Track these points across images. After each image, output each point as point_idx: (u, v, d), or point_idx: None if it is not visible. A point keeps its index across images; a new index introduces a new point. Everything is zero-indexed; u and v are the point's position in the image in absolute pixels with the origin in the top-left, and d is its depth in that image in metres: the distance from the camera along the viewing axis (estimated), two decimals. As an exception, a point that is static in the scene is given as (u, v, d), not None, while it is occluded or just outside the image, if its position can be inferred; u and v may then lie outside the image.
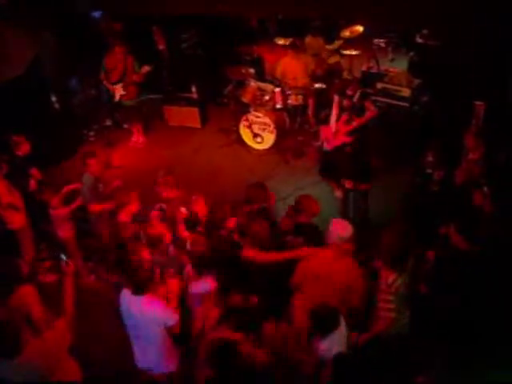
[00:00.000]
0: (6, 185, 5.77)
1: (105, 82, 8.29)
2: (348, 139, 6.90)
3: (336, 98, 6.89)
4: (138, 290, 4.07)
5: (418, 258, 4.71)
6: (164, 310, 4.13)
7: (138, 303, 4.07)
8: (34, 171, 6.25)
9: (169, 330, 4.16)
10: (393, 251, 4.20)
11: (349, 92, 6.73)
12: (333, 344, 3.93)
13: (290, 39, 8.71)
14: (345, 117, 6.80)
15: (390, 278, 4.26)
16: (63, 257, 4.48)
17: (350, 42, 8.98)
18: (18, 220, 5.84)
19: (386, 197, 7.02)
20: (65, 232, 5.87)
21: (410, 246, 4.31)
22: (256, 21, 10.19)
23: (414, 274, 4.39)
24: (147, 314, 4.06)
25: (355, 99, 6.71)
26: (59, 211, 5.78)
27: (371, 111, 6.68)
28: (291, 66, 8.24)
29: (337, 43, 9.24)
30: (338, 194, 7.11)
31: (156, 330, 4.11)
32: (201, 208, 5.52)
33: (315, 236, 5.00)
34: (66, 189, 5.96)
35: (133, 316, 4.12)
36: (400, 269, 4.23)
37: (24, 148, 6.13)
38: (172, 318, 4.13)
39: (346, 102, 6.75)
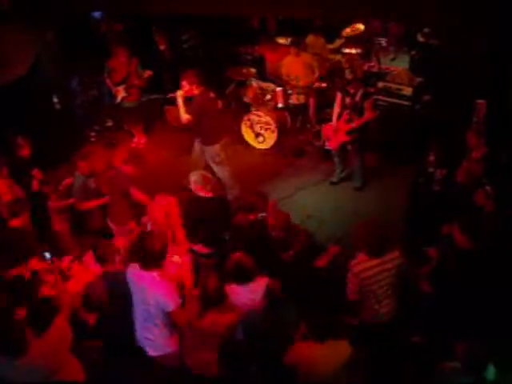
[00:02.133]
0: (7, 183, 5.81)
1: (108, 82, 8.30)
2: (348, 138, 6.93)
3: (338, 95, 6.92)
4: (147, 264, 4.06)
5: (420, 257, 4.74)
6: (166, 293, 4.05)
7: (146, 278, 4.07)
8: (36, 172, 6.27)
9: (168, 314, 4.09)
10: (366, 240, 4.28)
11: (351, 90, 6.76)
12: (244, 294, 4.30)
13: (291, 38, 8.71)
14: (346, 115, 6.82)
15: (358, 259, 4.32)
16: (47, 255, 4.50)
17: (351, 41, 8.99)
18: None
19: (387, 196, 7.02)
20: (59, 225, 6.02)
21: (383, 236, 4.33)
22: (257, 21, 10.19)
23: (402, 270, 4.39)
24: (150, 292, 4.04)
25: (357, 98, 6.73)
26: (56, 203, 5.98)
27: (370, 112, 6.70)
28: (293, 66, 8.24)
29: (338, 42, 9.26)
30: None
31: (157, 310, 4.08)
32: None
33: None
34: (66, 182, 6.17)
35: (139, 290, 4.12)
36: (372, 254, 4.27)
37: (25, 151, 6.19)
38: (172, 303, 4.04)
39: (348, 100, 6.78)
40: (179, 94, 6.51)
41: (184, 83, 6.47)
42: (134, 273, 4.18)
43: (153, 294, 4.05)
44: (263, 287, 4.37)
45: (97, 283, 4.49)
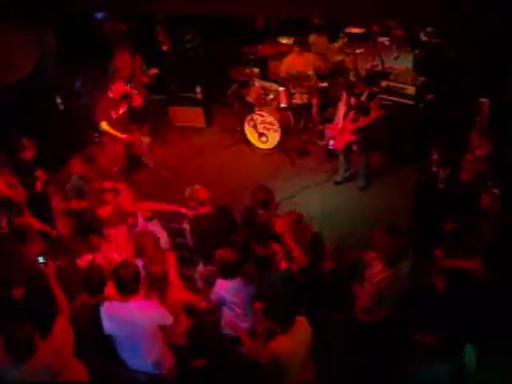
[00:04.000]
0: (8, 181, 5.84)
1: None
2: (353, 137, 6.93)
3: (344, 95, 6.92)
4: (125, 292, 4.01)
5: (424, 256, 4.73)
6: (158, 308, 4.08)
7: (128, 309, 4.00)
8: (40, 173, 6.29)
9: (165, 329, 4.09)
10: (384, 249, 4.27)
11: (356, 90, 6.76)
12: (228, 289, 4.41)
13: (294, 38, 8.71)
14: (352, 115, 6.82)
15: (376, 269, 4.32)
16: (41, 259, 4.50)
17: (354, 40, 8.97)
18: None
19: (391, 195, 7.01)
20: (64, 228, 6.00)
21: (402, 245, 4.35)
22: (261, 21, 10.18)
23: (412, 273, 4.41)
24: (142, 318, 3.99)
25: (363, 98, 6.74)
26: (60, 205, 6.03)
27: (377, 111, 6.70)
28: (295, 65, 8.23)
29: (341, 41, 9.24)
30: None
31: (151, 331, 4.05)
32: None
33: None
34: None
35: (123, 325, 4.02)
36: (390, 264, 4.27)
37: (29, 153, 6.20)
38: (168, 316, 4.07)
39: (353, 100, 6.78)
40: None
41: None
42: (114, 309, 4.08)
43: (145, 318, 4.00)
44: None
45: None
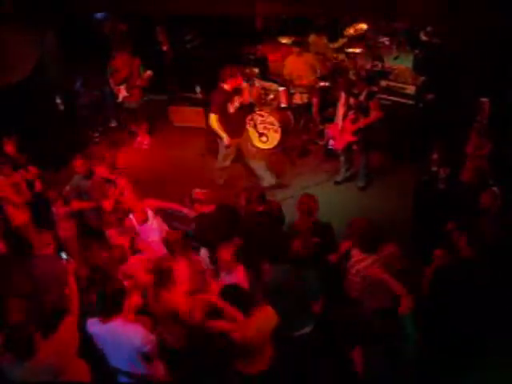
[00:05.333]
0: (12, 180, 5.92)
1: (110, 81, 8.32)
2: (354, 138, 6.93)
3: (343, 96, 6.92)
4: (107, 314, 3.89)
5: (425, 256, 4.73)
6: (138, 334, 3.84)
7: (110, 329, 3.89)
8: (31, 168, 6.28)
9: (144, 355, 3.90)
10: (362, 235, 4.51)
11: (355, 90, 6.76)
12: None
13: (294, 38, 8.71)
14: (351, 115, 6.82)
15: (355, 258, 4.52)
16: (64, 255, 4.49)
17: (353, 40, 8.97)
18: (19, 216, 5.92)
19: (391, 195, 7.01)
20: (65, 231, 6.00)
21: (379, 233, 4.56)
22: (261, 21, 10.18)
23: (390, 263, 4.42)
24: (121, 340, 3.85)
25: (362, 98, 6.73)
26: (60, 209, 5.96)
27: (376, 112, 6.69)
28: (296, 65, 8.23)
29: (341, 41, 9.24)
30: None
31: (133, 353, 3.87)
32: None
33: (329, 234, 5.18)
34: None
35: (105, 343, 3.95)
36: (368, 251, 4.46)
37: (8, 148, 6.24)
38: (148, 342, 3.84)
39: (352, 101, 6.77)
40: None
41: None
42: (97, 328, 3.97)
43: (127, 341, 3.84)
44: (240, 276, 4.57)
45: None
